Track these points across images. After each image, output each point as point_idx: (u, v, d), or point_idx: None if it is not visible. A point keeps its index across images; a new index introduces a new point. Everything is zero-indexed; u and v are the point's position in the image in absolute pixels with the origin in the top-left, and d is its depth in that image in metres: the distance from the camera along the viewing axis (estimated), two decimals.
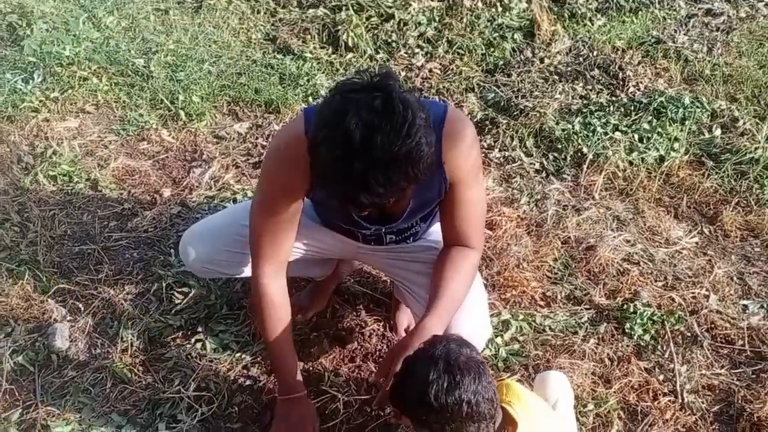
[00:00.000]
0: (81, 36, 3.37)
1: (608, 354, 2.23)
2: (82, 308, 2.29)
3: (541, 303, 2.41)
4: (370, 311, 2.35)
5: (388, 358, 1.70)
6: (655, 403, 2.11)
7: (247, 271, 2.00)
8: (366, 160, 1.28)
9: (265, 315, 1.78)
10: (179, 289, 2.34)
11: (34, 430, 1.92)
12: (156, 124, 3.06)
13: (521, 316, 2.33)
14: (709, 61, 3.57)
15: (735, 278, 2.55)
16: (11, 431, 1.92)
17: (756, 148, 2.99)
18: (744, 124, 3.16)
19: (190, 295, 2.31)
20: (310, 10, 3.76)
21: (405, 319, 2.27)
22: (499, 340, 2.25)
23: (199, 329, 2.22)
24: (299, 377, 1.87)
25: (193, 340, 2.19)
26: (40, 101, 3.08)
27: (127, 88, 3.21)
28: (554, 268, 2.53)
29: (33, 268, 2.39)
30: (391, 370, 1.58)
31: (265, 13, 3.82)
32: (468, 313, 1.80)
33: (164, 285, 2.35)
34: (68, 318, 2.26)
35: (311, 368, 2.14)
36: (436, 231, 2.01)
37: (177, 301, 2.30)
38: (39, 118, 3.02)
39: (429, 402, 1.35)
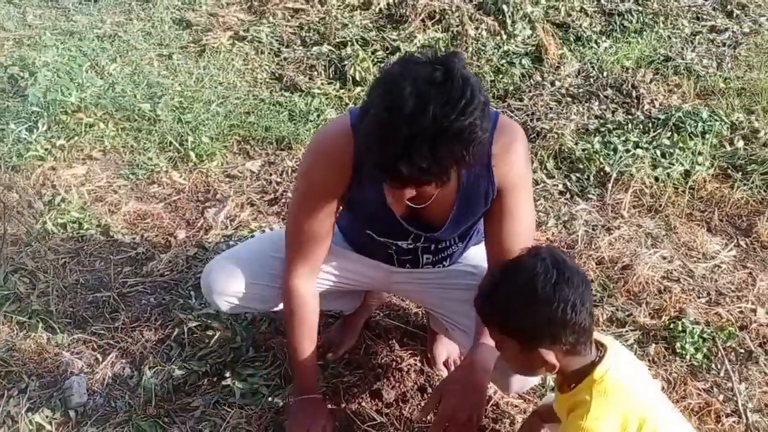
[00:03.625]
0: (85, 83, 3.30)
1: (662, 376, 2.11)
2: (100, 359, 2.16)
3: None
4: (404, 345, 2.22)
5: (435, 395, 1.61)
6: (719, 425, 1.98)
7: (276, 307, 1.89)
8: (414, 127, 1.21)
9: (295, 315, 1.76)
10: (202, 332, 2.21)
11: None
12: (166, 166, 2.97)
13: None
14: (720, 76, 3.55)
15: None
16: None
17: None
18: (766, 134, 3.11)
19: (214, 338, 2.18)
20: (315, 48, 3.73)
21: (443, 351, 2.15)
22: None
23: (226, 374, 2.08)
24: (316, 382, 1.87)
25: (220, 387, 2.05)
26: (46, 149, 2.99)
27: (135, 133, 3.13)
28: (592, 290, 2.42)
29: (46, 319, 2.26)
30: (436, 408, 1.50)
31: (269, 53, 3.78)
32: None
33: (186, 329, 2.22)
34: (85, 370, 2.12)
35: (352, 409, 2.00)
36: (472, 254, 1.91)
37: (200, 346, 2.17)
38: (45, 166, 2.93)
39: (533, 295, 1.20)
